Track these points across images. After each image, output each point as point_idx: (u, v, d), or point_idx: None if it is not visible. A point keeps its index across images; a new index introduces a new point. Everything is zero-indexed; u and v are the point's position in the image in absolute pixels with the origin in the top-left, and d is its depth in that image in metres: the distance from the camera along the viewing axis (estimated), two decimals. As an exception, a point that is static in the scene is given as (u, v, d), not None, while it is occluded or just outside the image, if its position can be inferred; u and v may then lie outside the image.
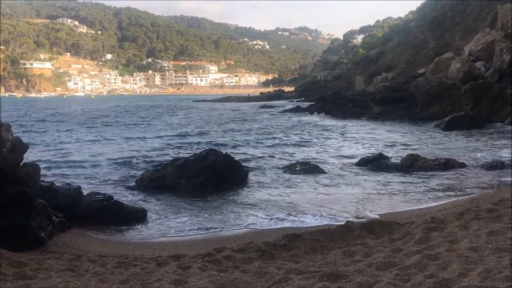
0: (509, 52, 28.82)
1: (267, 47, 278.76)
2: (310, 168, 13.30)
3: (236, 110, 51.16)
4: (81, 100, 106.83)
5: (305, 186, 11.39)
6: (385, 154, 15.18)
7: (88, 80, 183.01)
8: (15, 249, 6.17)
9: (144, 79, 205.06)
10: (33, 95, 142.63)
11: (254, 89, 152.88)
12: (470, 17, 49.09)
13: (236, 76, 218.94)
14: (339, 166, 14.24)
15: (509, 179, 11.09)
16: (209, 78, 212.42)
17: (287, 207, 9.43)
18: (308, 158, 15.56)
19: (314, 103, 46.04)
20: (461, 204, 8.54)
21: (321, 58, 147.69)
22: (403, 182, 11.53)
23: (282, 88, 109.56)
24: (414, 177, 12.12)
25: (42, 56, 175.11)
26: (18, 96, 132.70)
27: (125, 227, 8.25)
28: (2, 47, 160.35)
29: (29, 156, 10.17)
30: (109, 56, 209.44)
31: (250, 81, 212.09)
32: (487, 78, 29.06)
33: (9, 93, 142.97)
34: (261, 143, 20.74)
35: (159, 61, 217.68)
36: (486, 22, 41.61)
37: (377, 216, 8.32)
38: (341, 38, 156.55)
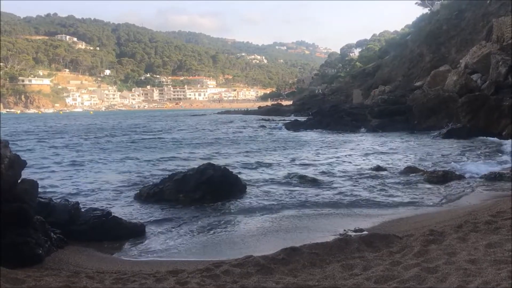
0: (505, 65, 29.03)
1: (265, 61, 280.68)
2: (307, 181, 13.32)
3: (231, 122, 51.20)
4: (78, 115, 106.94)
5: (302, 199, 11.37)
6: (382, 166, 15.21)
7: (86, 96, 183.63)
8: (13, 266, 6.14)
9: (142, 94, 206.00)
10: (32, 111, 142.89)
11: (252, 103, 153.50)
12: (465, 31, 49.58)
13: (234, 90, 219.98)
14: (336, 178, 14.22)
15: (507, 191, 11.10)
16: (208, 93, 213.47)
17: (285, 222, 9.42)
18: (305, 171, 15.55)
19: (312, 117, 46.16)
20: (459, 216, 8.54)
21: (319, 71, 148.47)
22: (400, 195, 11.53)
23: (280, 102, 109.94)
24: (412, 189, 12.13)
25: (40, 73, 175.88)
26: (18, 113, 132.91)
27: (123, 243, 8.22)
28: (1, 64, 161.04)
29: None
30: (107, 72, 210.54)
31: (248, 95, 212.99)
32: (483, 90, 29.23)
33: (7, 110, 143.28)
34: (258, 158, 20.74)
35: (158, 76, 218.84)
36: (482, 35, 42.01)
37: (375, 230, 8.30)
38: (338, 51, 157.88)
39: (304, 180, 13.42)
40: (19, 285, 5.37)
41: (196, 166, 12.59)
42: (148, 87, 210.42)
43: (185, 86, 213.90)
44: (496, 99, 25.92)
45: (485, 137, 24.03)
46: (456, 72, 34.82)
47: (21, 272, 5.98)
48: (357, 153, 21.19)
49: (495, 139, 23.23)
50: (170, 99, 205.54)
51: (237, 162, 19.04)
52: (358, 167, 16.48)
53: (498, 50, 31.72)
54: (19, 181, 7.15)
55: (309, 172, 15.32)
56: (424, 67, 52.43)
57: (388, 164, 16.75)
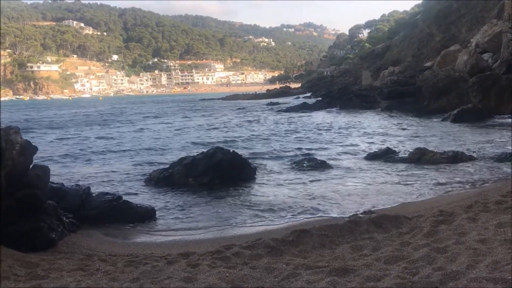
0: (516, 43, 28.53)
1: (273, 44, 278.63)
2: (317, 164, 13.30)
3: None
4: (87, 101, 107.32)
5: (312, 182, 11.39)
6: (392, 149, 15.14)
7: (95, 82, 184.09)
8: (27, 250, 6.26)
9: (150, 79, 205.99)
10: (41, 97, 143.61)
11: (260, 86, 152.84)
12: (476, 9, 48.66)
13: (242, 73, 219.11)
14: (347, 161, 14.22)
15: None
16: (215, 77, 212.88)
17: (295, 203, 9.46)
18: (315, 154, 15.55)
19: (320, 99, 45.89)
20: (469, 197, 8.51)
21: (327, 53, 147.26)
22: (410, 176, 11.49)
23: (288, 85, 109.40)
24: (422, 170, 12.08)
25: (49, 59, 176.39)
26: (26, 99, 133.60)
27: (134, 227, 8.32)
28: (9, 50, 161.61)
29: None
30: (115, 57, 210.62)
31: (256, 79, 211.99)
32: (494, 70, 28.82)
33: (17, 96, 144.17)
34: (268, 141, 20.76)
35: (165, 60, 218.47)
36: (493, 13, 41.21)
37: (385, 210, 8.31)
38: (347, 33, 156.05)
39: (314, 164, 13.40)
40: (33, 268, 5.47)
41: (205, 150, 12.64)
42: (156, 71, 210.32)
43: (193, 70, 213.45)
44: (508, 79, 25.54)
45: (496, 117, 23.78)
46: (467, 51, 34.32)
47: (35, 256, 6.09)
48: (366, 135, 21.11)
49: (507, 119, 22.99)
50: (178, 84, 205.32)
51: (247, 146, 19.08)
52: (367, 149, 16.44)
53: (510, 29, 31.09)
54: (30, 166, 7.23)
55: (318, 156, 15.30)
56: (434, 47, 51.74)
57: (398, 146, 16.68)
